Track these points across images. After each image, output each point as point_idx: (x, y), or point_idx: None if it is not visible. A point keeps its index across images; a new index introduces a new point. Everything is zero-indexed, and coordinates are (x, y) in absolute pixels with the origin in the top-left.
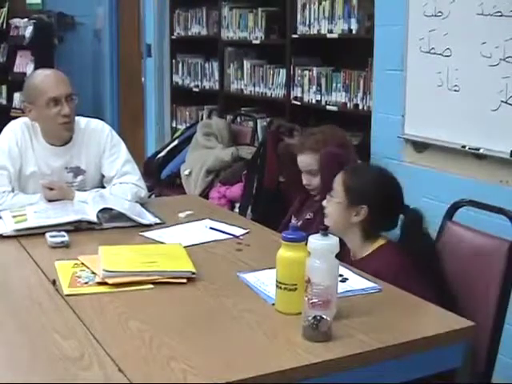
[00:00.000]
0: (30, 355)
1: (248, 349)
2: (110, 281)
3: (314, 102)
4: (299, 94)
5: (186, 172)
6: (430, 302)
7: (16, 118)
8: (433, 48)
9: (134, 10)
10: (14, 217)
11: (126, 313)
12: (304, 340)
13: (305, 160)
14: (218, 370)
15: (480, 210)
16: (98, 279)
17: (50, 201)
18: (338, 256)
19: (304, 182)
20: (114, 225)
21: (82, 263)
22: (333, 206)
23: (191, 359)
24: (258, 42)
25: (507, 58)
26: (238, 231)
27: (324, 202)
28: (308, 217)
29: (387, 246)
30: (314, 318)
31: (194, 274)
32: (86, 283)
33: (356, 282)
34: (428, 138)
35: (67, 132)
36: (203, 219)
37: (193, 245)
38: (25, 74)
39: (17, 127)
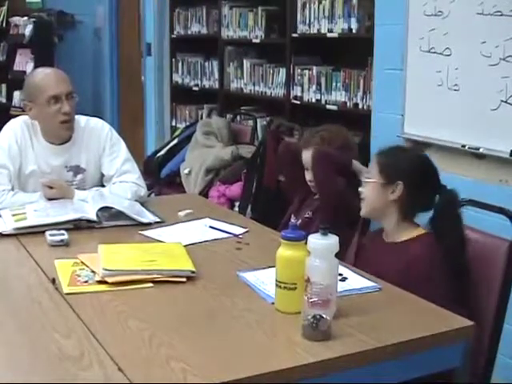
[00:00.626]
0: (29, 354)
1: (247, 348)
2: (109, 279)
3: (313, 101)
4: (299, 93)
5: (186, 171)
6: (452, 299)
7: (16, 116)
8: (433, 47)
9: (134, 8)
10: (14, 215)
11: (126, 312)
12: (303, 339)
13: (309, 156)
14: (217, 370)
15: (480, 209)
16: (97, 278)
17: (49, 199)
18: (337, 255)
19: (307, 178)
20: (113, 223)
21: (82, 262)
22: (369, 188)
23: (191, 358)
24: (257, 41)
25: (507, 57)
26: (238, 230)
27: (360, 188)
28: (307, 215)
29: (428, 237)
30: (314, 317)
31: (193, 272)
32: (86, 282)
33: (355, 281)
34: (428, 137)
35: (67, 130)
36: (203, 218)
37: (192, 244)
38: (24, 72)
39: (16, 126)
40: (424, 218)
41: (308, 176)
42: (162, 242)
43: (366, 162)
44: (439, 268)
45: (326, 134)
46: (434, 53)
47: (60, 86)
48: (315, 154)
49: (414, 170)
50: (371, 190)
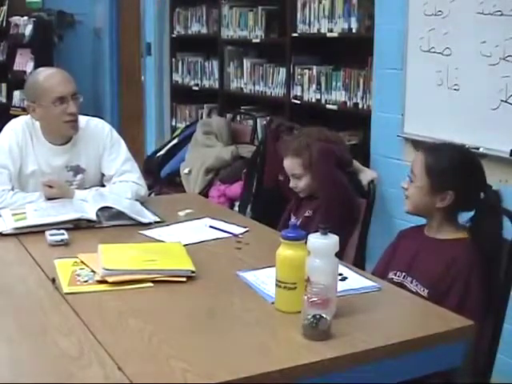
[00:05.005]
0: (29, 354)
1: (248, 347)
2: (109, 279)
3: (313, 100)
4: (299, 93)
5: (186, 170)
6: (482, 309)
7: (16, 116)
8: (433, 47)
9: (134, 8)
10: (14, 215)
11: (126, 311)
12: (304, 339)
13: (288, 164)
14: (217, 369)
15: None
16: (97, 277)
17: (49, 199)
18: (337, 254)
19: (290, 184)
20: (113, 223)
21: (82, 261)
22: (414, 189)
23: (191, 358)
24: (257, 40)
25: (507, 57)
26: (238, 230)
27: (404, 184)
28: (307, 214)
29: (471, 242)
30: (314, 316)
31: (193, 272)
32: (86, 281)
33: (355, 280)
34: (427, 137)
35: (73, 130)
36: (203, 218)
37: (192, 243)
38: (24, 72)
39: (17, 126)
40: (465, 215)
41: (291, 183)
42: (162, 241)
43: (366, 162)
44: (477, 275)
45: (304, 140)
46: (434, 52)
47: (66, 86)
48: (317, 150)
49: (465, 177)
50: (417, 192)
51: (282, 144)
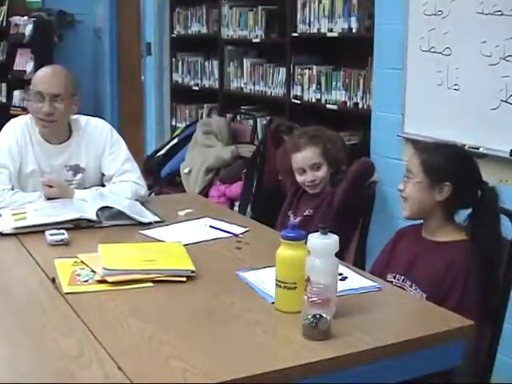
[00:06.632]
0: (29, 354)
1: (247, 347)
2: (109, 279)
3: (313, 100)
4: (299, 93)
5: (186, 170)
6: (481, 310)
7: (15, 116)
8: (433, 47)
9: (134, 8)
10: (14, 215)
11: (126, 311)
12: (303, 338)
13: (305, 156)
14: (217, 369)
15: None
16: (97, 277)
17: (49, 198)
18: (336, 255)
19: (309, 178)
20: (113, 223)
21: (82, 261)
22: (412, 188)
23: (190, 357)
24: (257, 40)
25: (507, 57)
26: (238, 229)
27: (400, 186)
28: (308, 213)
29: (471, 244)
30: (314, 316)
31: (193, 272)
32: (86, 281)
33: (355, 280)
34: (427, 137)
35: (45, 129)
36: (203, 217)
37: (192, 243)
38: (24, 71)
39: (17, 126)
40: (463, 214)
41: (310, 176)
42: (162, 241)
43: None
44: (475, 277)
45: (315, 133)
46: (434, 52)
47: (49, 85)
48: (361, 167)
49: (461, 168)
50: (415, 190)
51: (286, 142)
